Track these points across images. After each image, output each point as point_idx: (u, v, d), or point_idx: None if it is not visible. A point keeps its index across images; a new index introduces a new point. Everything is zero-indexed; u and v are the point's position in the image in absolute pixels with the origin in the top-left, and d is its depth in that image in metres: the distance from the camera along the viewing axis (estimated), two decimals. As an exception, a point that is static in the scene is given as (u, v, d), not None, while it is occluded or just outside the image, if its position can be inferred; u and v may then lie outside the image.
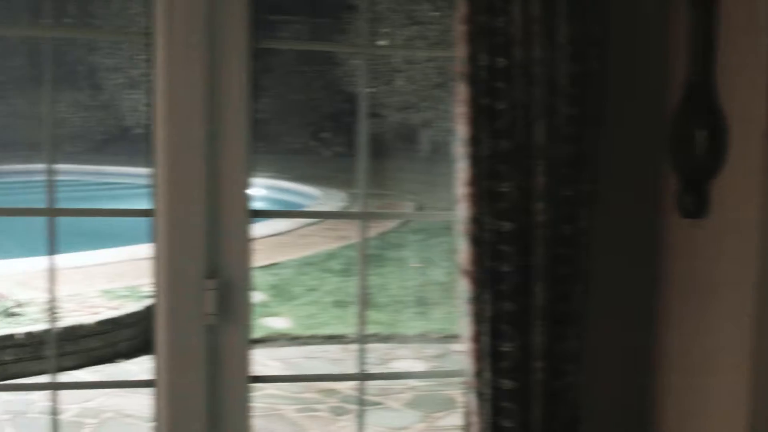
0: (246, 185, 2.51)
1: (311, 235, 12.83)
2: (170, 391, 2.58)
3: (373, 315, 9.50)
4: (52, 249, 2.54)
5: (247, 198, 2.52)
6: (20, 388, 7.68)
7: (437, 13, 19.26)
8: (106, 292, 9.08)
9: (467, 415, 2.69)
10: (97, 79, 21.53)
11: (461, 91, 2.44)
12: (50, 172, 2.51)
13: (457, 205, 2.53)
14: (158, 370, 2.59)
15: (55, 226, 2.53)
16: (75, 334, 7.83)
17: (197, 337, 2.56)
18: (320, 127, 22.22)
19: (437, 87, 19.59)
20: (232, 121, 2.49)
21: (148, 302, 8.86)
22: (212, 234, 2.51)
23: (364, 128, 2.70)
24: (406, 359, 8.66)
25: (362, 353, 2.83)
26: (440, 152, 18.49)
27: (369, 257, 11.32)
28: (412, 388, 7.67)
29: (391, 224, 12.82)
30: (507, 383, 2.56)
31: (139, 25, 20.68)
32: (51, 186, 2.50)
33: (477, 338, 2.57)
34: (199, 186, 2.48)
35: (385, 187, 15.02)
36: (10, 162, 19.38)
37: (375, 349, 8.42)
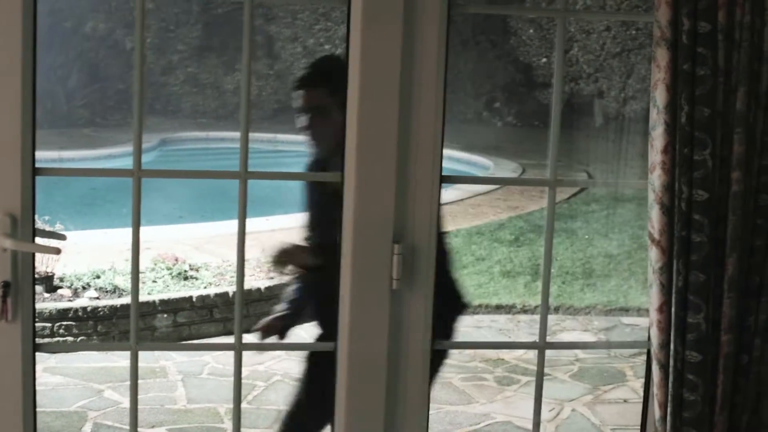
0: (437, 150, 2.51)
1: (481, 204, 12.81)
2: (351, 356, 2.60)
3: (540, 286, 9.44)
4: (243, 212, 2.55)
5: (437, 163, 2.51)
6: (202, 348, 7.92)
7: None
8: (280, 259, 9.23)
9: (649, 386, 2.65)
10: (275, 48, 21.87)
11: (661, 56, 2.38)
12: (244, 138, 2.53)
13: (651, 173, 2.47)
14: (340, 334, 2.61)
15: (246, 189, 2.54)
16: (247, 298, 8.02)
17: (382, 302, 2.56)
18: (493, 97, 22.12)
19: (613, 57, 19.26)
20: (425, 86, 2.48)
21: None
22: (401, 199, 2.52)
23: (557, 95, 2.66)
24: (574, 331, 8.58)
25: (544, 322, 2.81)
26: (613, 123, 18.19)
27: (539, 228, 11.21)
28: (579, 360, 7.59)
29: (562, 195, 12.70)
30: (693, 356, 2.50)
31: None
32: (244, 150, 2.52)
33: (664, 309, 2.52)
34: (390, 151, 2.48)
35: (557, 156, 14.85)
36: (188, 129, 19.92)
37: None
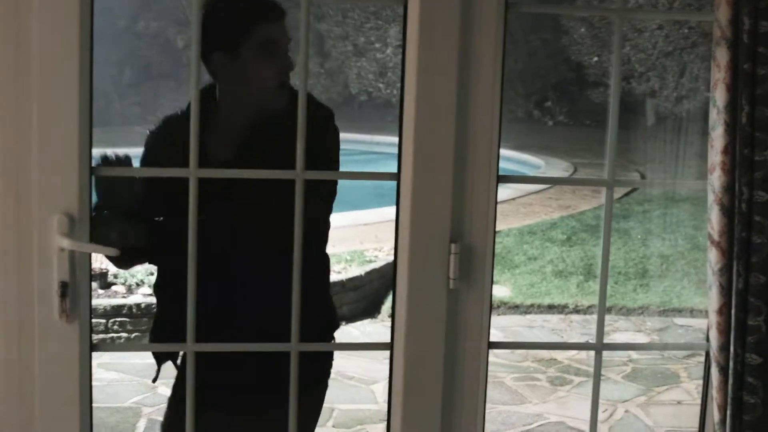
0: (494, 149, 2.50)
1: (533, 203, 12.78)
2: (407, 355, 2.59)
3: (592, 286, 9.41)
4: (300, 216, 2.55)
5: (494, 162, 2.51)
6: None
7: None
8: (330, 255, 9.26)
9: (707, 389, 2.62)
10: (325, 46, 21.94)
11: (721, 55, 2.36)
12: (301, 141, 2.52)
13: (710, 174, 2.45)
14: (396, 333, 2.61)
15: (302, 190, 2.54)
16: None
17: (438, 302, 2.55)
18: (544, 96, 22.05)
19: (666, 56, 19.12)
20: (482, 85, 2.47)
21: (370, 267, 9.02)
22: (458, 198, 2.52)
23: (615, 95, 2.64)
24: (627, 331, 8.54)
25: (601, 323, 2.79)
26: (665, 122, 18.07)
27: (591, 227, 11.16)
28: (633, 361, 7.56)
29: (614, 194, 12.61)
30: (753, 358, 2.48)
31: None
32: (302, 153, 2.51)
33: (723, 311, 2.50)
34: (447, 150, 2.48)
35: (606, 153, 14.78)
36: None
37: (594, 321, 8.32)
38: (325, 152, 2.79)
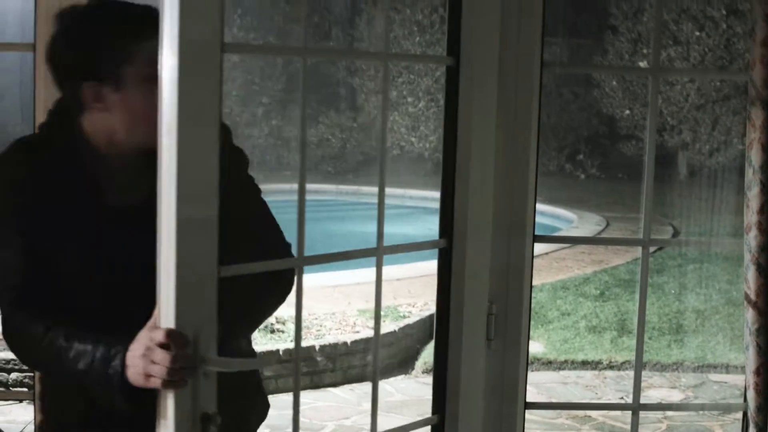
0: (531, 208, 2.52)
1: (565, 258, 12.74)
2: (449, 414, 2.60)
3: (626, 341, 9.33)
4: (379, 289, 2.52)
5: (531, 222, 2.52)
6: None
7: (701, 33, 18.81)
8: (364, 311, 9.27)
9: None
10: (358, 101, 22.07)
11: (756, 115, 2.37)
12: (381, 217, 2.50)
13: (746, 233, 2.45)
14: (437, 391, 2.62)
15: (381, 264, 2.49)
16: (333, 352, 8.04)
17: (477, 360, 2.57)
18: (576, 149, 22.05)
19: (697, 109, 19.10)
20: (520, 144, 2.50)
21: (404, 322, 9.00)
22: (495, 258, 2.53)
23: (651, 151, 2.64)
24: (662, 388, 8.46)
25: (638, 383, 2.78)
26: (698, 176, 18.01)
27: (625, 282, 11.06)
28: (668, 417, 7.48)
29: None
30: (791, 419, 2.46)
31: (400, 48, 21.09)
32: (381, 223, 2.48)
33: (761, 371, 2.48)
34: (487, 211, 2.50)
35: (640, 209, 14.76)
36: (273, 181, 20.13)
37: (629, 377, 8.25)
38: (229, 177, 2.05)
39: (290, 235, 2.48)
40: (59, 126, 2.24)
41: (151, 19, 2.01)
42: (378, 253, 2.46)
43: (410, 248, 2.87)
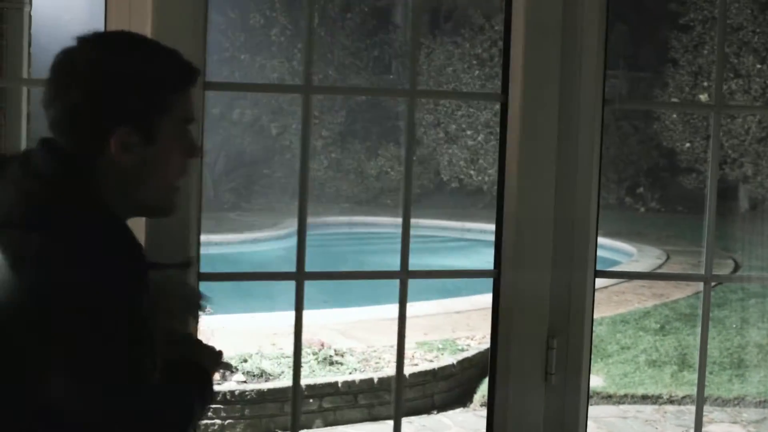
0: (593, 242, 2.52)
1: (625, 292, 12.67)
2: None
3: (687, 376, 9.26)
4: (403, 311, 2.55)
5: (593, 256, 2.52)
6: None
7: (762, 66, 18.67)
8: (422, 344, 9.28)
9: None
10: (417, 133, 22.17)
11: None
12: (405, 236, 2.52)
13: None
14: (494, 426, 2.61)
15: (407, 289, 2.53)
16: (390, 385, 8.06)
17: (536, 396, 2.57)
18: (635, 182, 21.94)
19: (759, 142, 18.93)
20: (582, 175, 2.51)
21: (462, 356, 9.00)
22: (556, 292, 2.54)
23: (713, 186, 2.65)
24: (723, 423, 8.38)
25: (699, 417, 2.77)
26: (760, 209, 17.84)
27: (685, 316, 10.96)
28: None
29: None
30: None
31: (460, 82, 21.17)
32: (405, 249, 2.51)
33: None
34: (546, 245, 2.51)
35: (701, 243, 14.64)
36: (332, 214, 20.23)
37: (690, 411, 8.19)
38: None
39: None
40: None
41: (184, 66, 1.93)
42: (401, 276, 2.49)
43: (439, 275, 2.89)
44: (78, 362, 1.72)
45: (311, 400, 7.73)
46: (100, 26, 2.21)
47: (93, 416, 1.75)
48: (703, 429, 8.27)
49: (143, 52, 1.93)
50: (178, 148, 1.93)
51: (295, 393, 2.56)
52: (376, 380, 8.00)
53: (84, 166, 1.85)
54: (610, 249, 16.11)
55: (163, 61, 1.92)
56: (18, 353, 1.71)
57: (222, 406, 7.55)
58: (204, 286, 2.35)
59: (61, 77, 1.86)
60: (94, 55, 1.87)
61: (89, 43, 1.89)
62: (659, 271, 14.69)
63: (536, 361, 2.53)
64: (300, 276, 2.42)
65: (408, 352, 8.91)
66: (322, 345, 8.70)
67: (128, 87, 1.86)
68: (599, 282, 10.59)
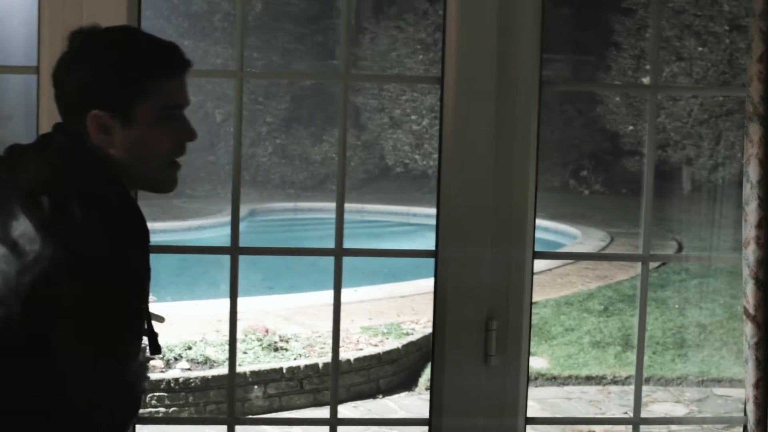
0: (531, 225, 2.53)
1: (569, 274, 12.73)
2: (448, 430, 2.61)
3: (630, 356, 9.34)
4: (339, 288, 2.57)
5: (531, 237, 2.53)
6: (298, 423, 7.93)
7: (703, 49, 18.83)
8: (367, 328, 9.28)
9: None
10: (361, 119, 22.11)
11: (753, 131, 2.39)
12: (339, 214, 2.56)
13: (745, 248, 2.46)
14: (435, 409, 2.63)
15: (341, 266, 2.56)
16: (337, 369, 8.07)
17: (476, 377, 2.58)
18: (579, 165, 22.06)
19: (701, 124, 19.11)
20: (519, 158, 2.51)
21: (407, 339, 9.01)
22: (495, 274, 2.54)
23: (650, 167, 2.67)
24: (666, 402, 8.46)
25: (638, 397, 2.79)
26: (701, 190, 18.01)
27: (629, 297, 11.05)
28: (671, 432, 7.50)
29: (651, 264, 12.55)
30: (791, 432, 2.48)
31: (404, 66, 21.14)
32: (339, 226, 2.56)
33: (760, 385, 2.50)
34: (485, 225, 2.51)
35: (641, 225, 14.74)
36: (277, 200, 20.15)
37: (632, 391, 8.25)
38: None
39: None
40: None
41: (170, 54, 2.08)
42: (336, 252, 2.51)
43: (374, 254, 2.93)
44: (99, 329, 1.91)
45: (256, 387, 7.71)
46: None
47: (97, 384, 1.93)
48: (647, 408, 8.35)
49: (124, 42, 2.10)
50: (165, 131, 2.09)
51: (232, 364, 2.55)
52: (320, 365, 7.98)
53: (93, 145, 2.02)
54: (555, 232, 16.20)
55: (143, 50, 2.08)
56: (40, 317, 1.83)
57: (166, 394, 7.50)
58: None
59: (58, 67, 2.06)
60: (82, 47, 2.04)
61: (81, 35, 2.06)
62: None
63: (476, 343, 2.54)
64: (234, 250, 2.43)
65: (353, 337, 8.91)
66: (267, 331, 8.67)
67: (106, 74, 2.01)
68: (544, 265, 10.66)
